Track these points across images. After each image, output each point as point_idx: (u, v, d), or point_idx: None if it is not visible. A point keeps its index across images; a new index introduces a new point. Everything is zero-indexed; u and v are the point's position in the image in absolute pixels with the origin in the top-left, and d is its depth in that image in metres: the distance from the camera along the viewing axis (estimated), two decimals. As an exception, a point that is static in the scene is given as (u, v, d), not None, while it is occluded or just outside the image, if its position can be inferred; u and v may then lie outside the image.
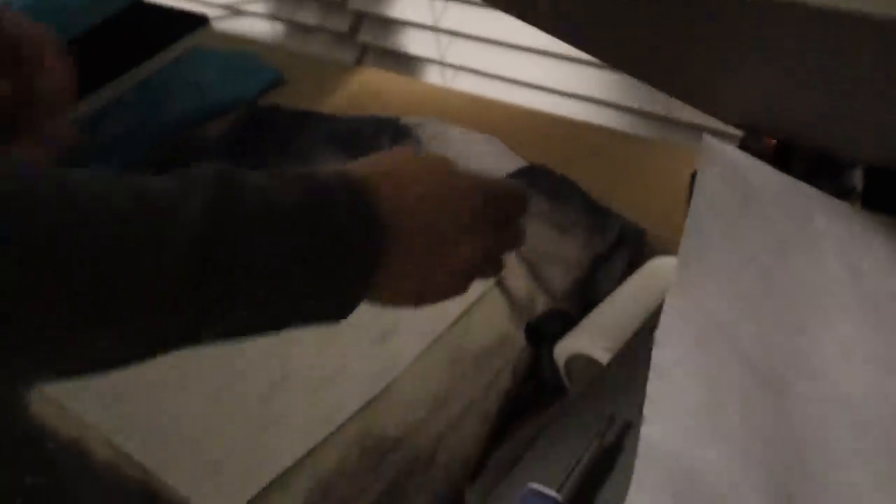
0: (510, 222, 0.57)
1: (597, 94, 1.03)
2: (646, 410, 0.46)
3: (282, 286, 0.45)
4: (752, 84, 0.55)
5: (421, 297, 0.53)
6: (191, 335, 0.43)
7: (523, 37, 1.05)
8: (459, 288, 0.54)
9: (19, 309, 0.36)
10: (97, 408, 0.70)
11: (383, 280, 0.49)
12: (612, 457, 0.50)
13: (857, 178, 0.64)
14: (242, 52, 1.09)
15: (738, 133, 0.68)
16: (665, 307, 0.50)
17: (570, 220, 0.77)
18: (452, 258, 0.51)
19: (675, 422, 0.45)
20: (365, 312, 0.73)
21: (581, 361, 0.63)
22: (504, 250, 0.58)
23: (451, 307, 0.73)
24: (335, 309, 0.49)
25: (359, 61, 1.23)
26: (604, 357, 0.60)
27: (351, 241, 0.47)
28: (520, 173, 0.82)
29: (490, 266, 0.57)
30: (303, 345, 0.73)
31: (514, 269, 0.75)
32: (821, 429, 0.47)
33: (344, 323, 0.73)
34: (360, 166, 0.50)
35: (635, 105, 1.00)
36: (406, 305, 0.53)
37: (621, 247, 0.73)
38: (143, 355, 0.43)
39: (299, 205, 0.45)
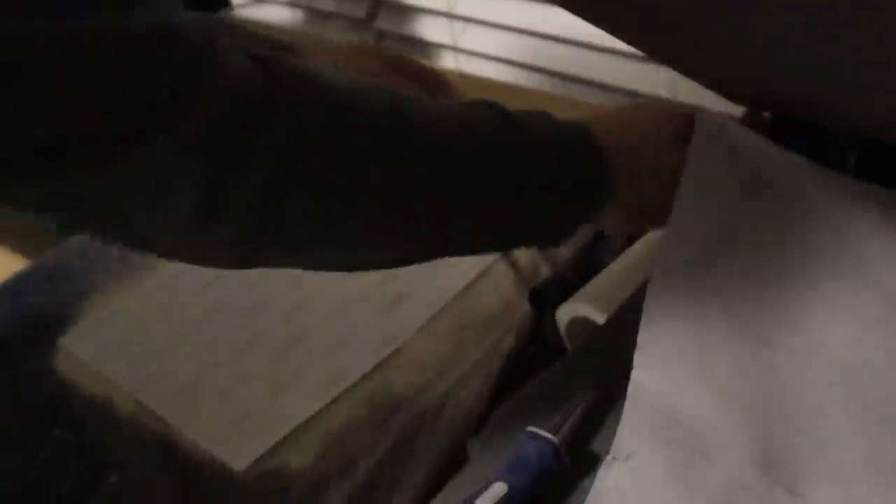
0: None
1: (605, 78, 1.05)
2: (636, 357, 0.49)
3: (534, 205, 0.53)
4: (751, 54, 0.58)
5: (646, 216, 0.59)
6: (490, 237, 0.54)
7: (534, 22, 1.08)
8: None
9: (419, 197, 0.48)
10: (123, 367, 0.74)
11: (612, 205, 0.56)
12: (607, 405, 0.53)
13: (851, 155, 0.67)
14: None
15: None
16: (655, 266, 0.53)
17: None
18: (665, 175, 0.57)
19: (662, 367, 0.49)
20: (377, 280, 0.77)
21: (581, 324, 0.66)
22: None
23: (460, 277, 0.76)
24: (558, 234, 0.56)
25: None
26: (602, 319, 0.63)
27: (582, 172, 0.54)
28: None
29: None
30: (319, 309, 0.76)
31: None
32: (801, 377, 0.50)
33: (357, 290, 0.77)
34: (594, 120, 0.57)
35: (642, 89, 1.03)
36: (637, 226, 0.60)
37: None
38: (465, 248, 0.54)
39: (549, 137, 0.54)
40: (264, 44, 0.47)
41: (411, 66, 0.65)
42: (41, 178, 0.39)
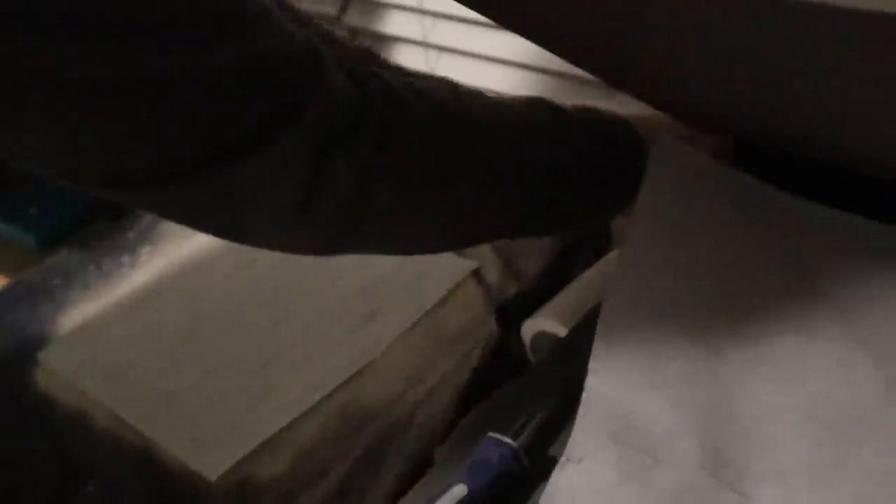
0: None
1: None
2: (591, 364, 0.52)
3: (581, 190, 0.59)
4: (710, 87, 0.61)
5: None
6: (539, 222, 0.60)
7: (508, 51, 1.11)
8: None
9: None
10: (100, 382, 0.76)
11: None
12: (566, 412, 0.56)
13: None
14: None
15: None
16: (611, 282, 0.56)
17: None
18: None
19: (616, 373, 0.51)
20: (352, 295, 0.80)
21: (545, 339, 0.68)
22: None
23: (431, 294, 0.79)
24: (600, 219, 0.64)
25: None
26: (563, 333, 0.65)
27: (624, 160, 0.61)
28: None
29: None
30: (294, 324, 0.79)
31: (489, 261, 0.81)
32: (749, 384, 0.52)
33: (332, 305, 0.79)
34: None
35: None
36: None
37: (589, 239, 0.79)
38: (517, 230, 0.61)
39: (593, 125, 0.60)
40: (353, 52, 0.52)
41: None
42: (172, 184, 0.44)
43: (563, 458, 0.49)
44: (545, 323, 0.67)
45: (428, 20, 1.17)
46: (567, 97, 1.09)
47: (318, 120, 0.45)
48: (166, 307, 0.83)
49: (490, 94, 0.56)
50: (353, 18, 1.25)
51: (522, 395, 0.59)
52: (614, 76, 0.74)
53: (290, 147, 0.45)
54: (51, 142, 0.41)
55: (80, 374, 0.77)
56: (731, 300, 0.57)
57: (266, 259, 0.86)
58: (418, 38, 1.18)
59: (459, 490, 0.50)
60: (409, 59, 1.22)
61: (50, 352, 0.79)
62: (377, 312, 0.78)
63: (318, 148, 0.46)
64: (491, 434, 0.53)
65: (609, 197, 0.61)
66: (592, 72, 0.76)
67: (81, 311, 0.83)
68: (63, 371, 0.77)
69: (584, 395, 0.51)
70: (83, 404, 0.74)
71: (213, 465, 0.68)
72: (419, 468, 0.65)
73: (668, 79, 0.63)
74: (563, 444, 0.53)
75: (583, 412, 0.50)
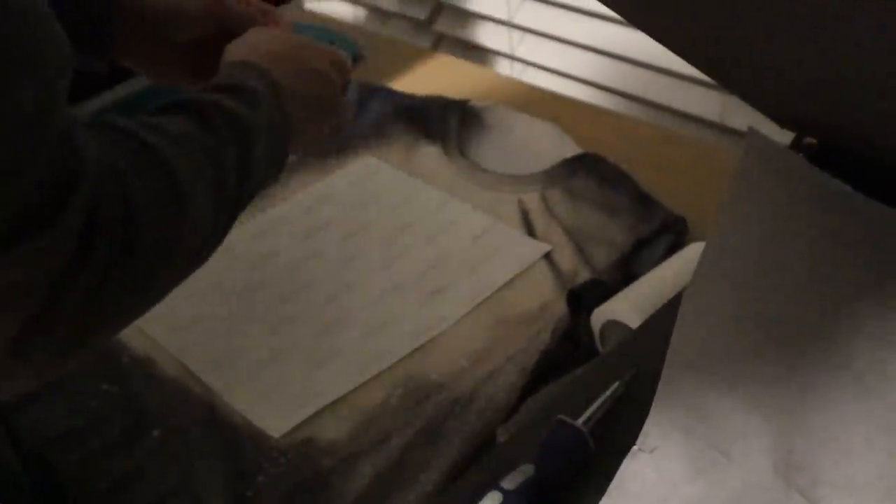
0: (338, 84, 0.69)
1: (654, 96, 1.08)
2: (668, 356, 0.51)
3: (264, 163, 0.59)
4: (803, 81, 0.59)
5: (300, 143, 0.66)
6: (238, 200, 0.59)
7: (589, 37, 1.11)
8: (319, 135, 0.69)
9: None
10: (169, 331, 0.77)
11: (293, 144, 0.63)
12: (635, 402, 0.55)
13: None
14: (325, 26, 1.16)
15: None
16: (695, 273, 0.55)
17: (619, 205, 0.82)
18: (314, 108, 0.66)
19: (693, 368, 0.51)
20: (419, 271, 0.80)
21: (615, 327, 0.68)
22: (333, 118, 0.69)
23: (500, 274, 0.79)
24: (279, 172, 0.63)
25: (434, 48, 1.29)
26: (635, 324, 0.65)
27: (283, 128, 0.61)
28: (575, 159, 0.88)
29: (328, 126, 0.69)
30: (361, 294, 0.79)
31: (562, 247, 0.80)
32: (826, 392, 0.51)
33: (400, 279, 0.80)
34: (252, 55, 0.63)
35: (691, 111, 1.05)
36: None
37: (663, 233, 0.79)
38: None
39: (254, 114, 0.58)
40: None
41: None
42: None
43: (634, 448, 0.49)
44: (618, 312, 0.67)
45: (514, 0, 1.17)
46: (645, 86, 1.08)
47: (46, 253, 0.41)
48: (237, 264, 0.84)
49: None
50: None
51: (591, 382, 0.59)
52: (704, 59, 0.72)
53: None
54: None
55: (150, 322, 0.78)
56: (811, 304, 0.56)
57: (338, 224, 0.87)
58: (504, 17, 1.18)
59: (527, 470, 0.50)
60: (493, 37, 1.22)
61: (123, 298, 0.81)
62: (445, 289, 0.79)
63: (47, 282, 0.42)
64: (560, 417, 0.54)
65: (278, 157, 0.62)
66: (681, 54, 0.74)
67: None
68: (134, 318, 0.79)
69: (660, 387, 0.51)
70: (152, 352, 0.76)
71: (276, 423, 0.69)
72: (480, 445, 0.65)
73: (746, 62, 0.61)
74: (630, 434, 0.53)
75: (657, 404, 0.50)
